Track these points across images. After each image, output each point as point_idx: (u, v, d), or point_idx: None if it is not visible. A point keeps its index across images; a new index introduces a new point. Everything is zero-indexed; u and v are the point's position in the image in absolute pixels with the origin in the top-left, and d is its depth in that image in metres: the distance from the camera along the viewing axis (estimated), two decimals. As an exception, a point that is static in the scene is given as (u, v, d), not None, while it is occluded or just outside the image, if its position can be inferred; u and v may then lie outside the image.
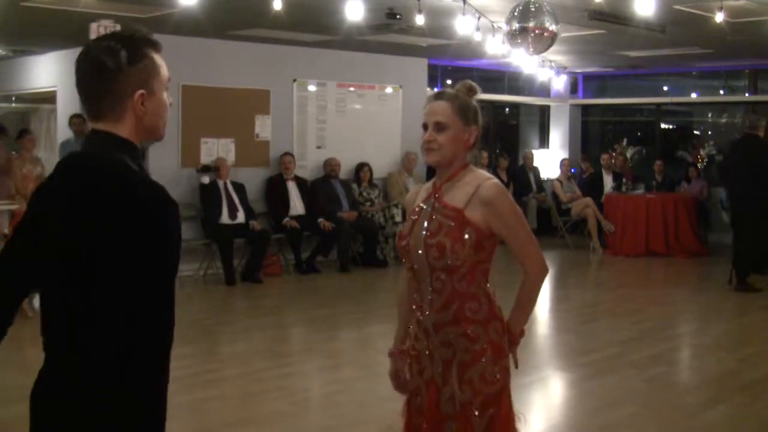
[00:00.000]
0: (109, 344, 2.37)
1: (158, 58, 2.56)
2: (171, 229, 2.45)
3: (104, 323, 2.37)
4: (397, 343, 3.69)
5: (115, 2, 9.68)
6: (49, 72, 14.53)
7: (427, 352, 3.44)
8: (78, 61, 2.53)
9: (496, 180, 3.39)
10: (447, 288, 3.34)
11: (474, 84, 3.44)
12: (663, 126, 19.02)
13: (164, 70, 2.58)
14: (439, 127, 3.35)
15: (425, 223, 3.40)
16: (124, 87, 2.48)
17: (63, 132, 12.61)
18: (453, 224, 3.31)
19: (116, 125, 2.51)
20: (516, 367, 3.45)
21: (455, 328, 3.34)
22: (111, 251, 2.37)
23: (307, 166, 13.49)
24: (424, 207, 3.45)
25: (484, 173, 3.42)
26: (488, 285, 3.41)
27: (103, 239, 2.38)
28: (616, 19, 10.11)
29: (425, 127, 3.39)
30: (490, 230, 3.31)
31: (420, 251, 3.37)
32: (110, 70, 2.46)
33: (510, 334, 3.41)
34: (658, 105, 18.58)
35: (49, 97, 14.71)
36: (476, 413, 3.30)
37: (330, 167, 13.38)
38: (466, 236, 3.29)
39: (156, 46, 2.56)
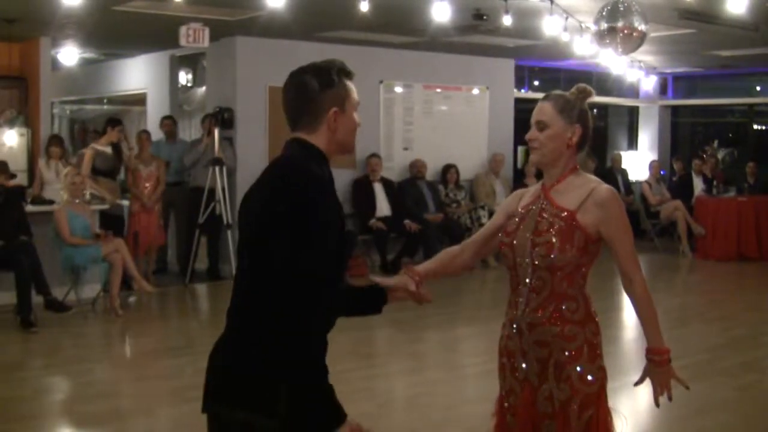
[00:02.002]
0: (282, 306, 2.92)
1: (350, 84, 3.01)
2: (314, 221, 2.87)
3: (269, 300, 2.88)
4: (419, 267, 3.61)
5: (204, 5, 9.80)
6: (139, 75, 14.80)
7: (520, 352, 3.45)
8: (285, 84, 3.01)
9: (610, 186, 3.44)
10: (546, 287, 3.37)
11: (588, 87, 3.49)
12: (756, 127, 18.62)
13: (355, 95, 3.02)
14: (541, 125, 3.43)
15: (533, 223, 3.43)
16: (321, 105, 2.95)
17: (154, 133, 12.79)
18: (563, 224, 3.35)
19: (310, 135, 2.99)
20: (669, 399, 3.54)
21: (551, 327, 3.36)
22: (274, 235, 2.83)
23: (394, 167, 13.52)
24: (533, 208, 3.49)
25: (596, 178, 3.48)
26: (586, 288, 3.44)
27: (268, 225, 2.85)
28: (707, 18, 9.94)
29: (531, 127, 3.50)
30: (598, 235, 3.35)
31: (525, 249, 3.40)
32: (310, 91, 2.94)
33: (650, 353, 3.49)
34: (751, 105, 18.18)
35: (140, 99, 14.99)
36: (576, 413, 3.32)
37: (416, 169, 13.40)
38: (576, 238, 3.33)
39: (349, 75, 3.01)
